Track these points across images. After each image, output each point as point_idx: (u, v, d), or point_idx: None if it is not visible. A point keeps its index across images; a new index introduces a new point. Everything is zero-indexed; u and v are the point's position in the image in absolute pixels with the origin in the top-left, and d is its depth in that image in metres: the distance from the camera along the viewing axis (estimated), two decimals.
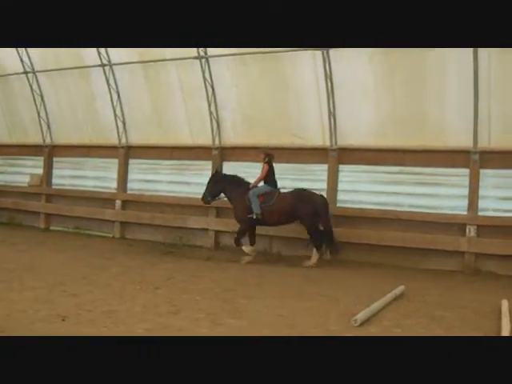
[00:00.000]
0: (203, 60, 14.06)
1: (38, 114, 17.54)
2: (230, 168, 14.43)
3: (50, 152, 17.85)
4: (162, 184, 15.58)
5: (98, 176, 16.93)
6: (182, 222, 14.73)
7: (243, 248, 12.45)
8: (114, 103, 15.80)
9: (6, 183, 18.95)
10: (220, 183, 12.91)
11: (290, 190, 12.60)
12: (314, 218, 12.06)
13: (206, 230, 14.56)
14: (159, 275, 9.87)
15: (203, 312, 7.04)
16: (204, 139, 14.63)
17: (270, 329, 6.29)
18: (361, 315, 6.63)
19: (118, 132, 16.10)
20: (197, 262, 11.90)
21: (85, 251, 12.78)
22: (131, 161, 16.26)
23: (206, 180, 13.38)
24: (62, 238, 15.04)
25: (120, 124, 16.01)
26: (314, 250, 12.06)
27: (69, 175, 17.65)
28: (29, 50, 16.78)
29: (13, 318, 6.24)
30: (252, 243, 12.63)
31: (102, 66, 15.55)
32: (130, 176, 16.22)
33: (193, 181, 14.78)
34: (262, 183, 12.55)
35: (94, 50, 15.28)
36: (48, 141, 17.77)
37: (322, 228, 12.14)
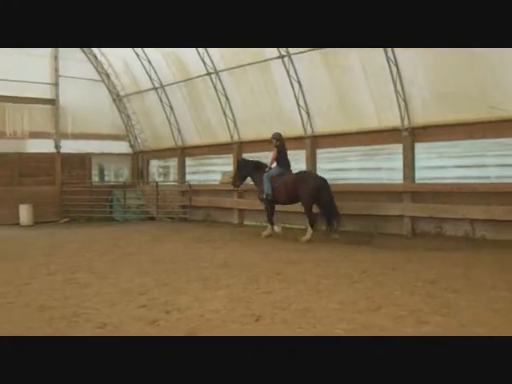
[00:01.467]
0: None
1: (224, 112, 17.90)
2: (422, 150, 13.52)
3: (238, 149, 18.14)
4: (352, 172, 15.04)
5: None
6: (375, 209, 14.04)
7: (269, 227, 14.16)
8: (296, 93, 15.56)
9: (199, 183, 19.66)
10: (244, 169, 14.81)
11: None
12: (310, 197, 13.13)
13: (401, 216, 13.74)
14: (354, 268, 9.33)
15: (405, 308, 6.41)
16: (391, 121, 13.82)
17: (485, 327, 5.50)
18: None
19: (302, 122, 15.84)
20: (393, 253, 11.17)
21: (276, 245, 12.65)
22: (318, 150, 15.91)
23: (397, 164, 12.69)
24: (255, 233, 15.10)
25: (304, 114, 15.74)
26: (309, 227, 13.10)
27: None
28: (209, 50, 17.18)
29: (206, 318, 6.11)
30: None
31: (281, 57, 15.38)
32: (319, 165, 15.87)
33: (383, 166, 14.09)
34: (275, 165, 14.02)
35: None
36: (236, 138, 18.07)
37: (321, 206, 13.28)
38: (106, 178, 22.69)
